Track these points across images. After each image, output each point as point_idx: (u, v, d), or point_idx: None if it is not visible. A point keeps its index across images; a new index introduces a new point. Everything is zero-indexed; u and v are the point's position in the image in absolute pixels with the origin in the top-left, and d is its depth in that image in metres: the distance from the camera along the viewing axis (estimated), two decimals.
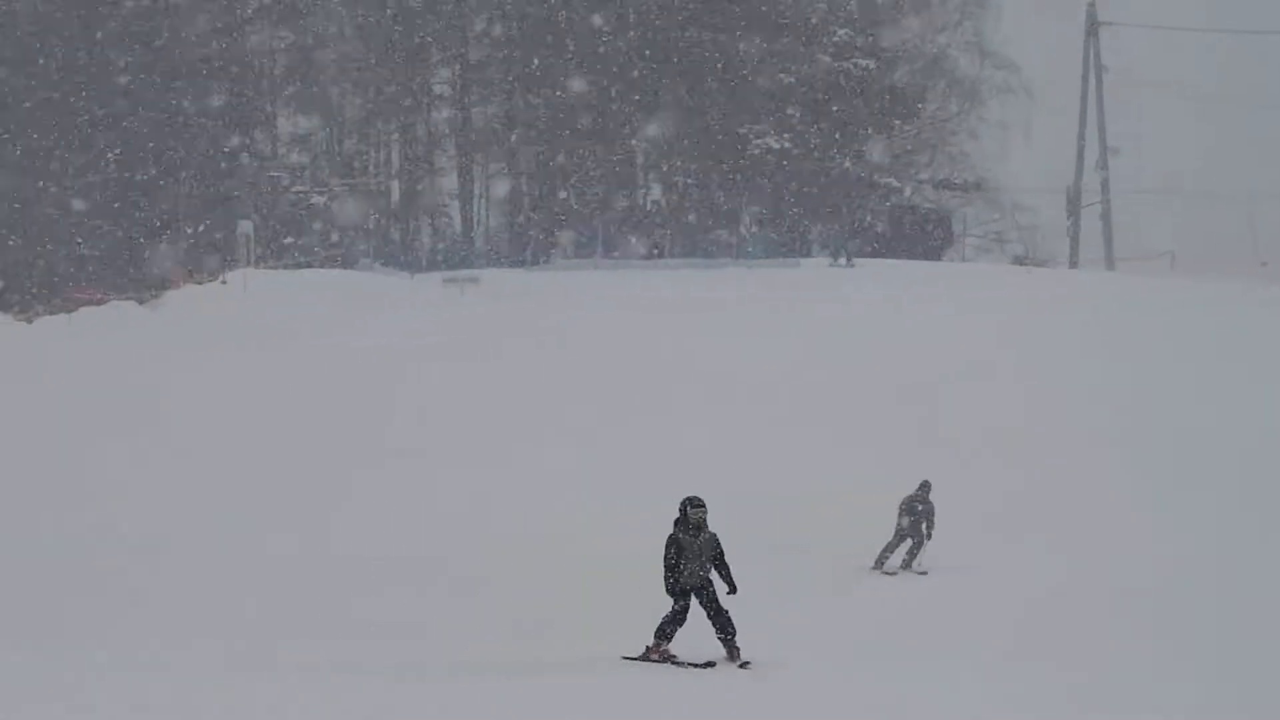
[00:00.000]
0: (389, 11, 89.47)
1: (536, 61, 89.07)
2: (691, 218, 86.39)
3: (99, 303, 70.15)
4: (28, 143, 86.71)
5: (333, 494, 47.83)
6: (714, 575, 25.34)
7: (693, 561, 25.03)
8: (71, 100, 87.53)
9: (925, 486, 39.33)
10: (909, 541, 38.93)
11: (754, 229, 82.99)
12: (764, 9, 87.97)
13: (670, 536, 25.34)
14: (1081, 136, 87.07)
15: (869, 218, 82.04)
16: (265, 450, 50.71)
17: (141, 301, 69.71)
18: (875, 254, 78.84)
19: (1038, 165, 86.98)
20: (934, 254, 76.83)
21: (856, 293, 70.15)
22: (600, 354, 61.40)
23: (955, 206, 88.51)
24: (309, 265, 79.27)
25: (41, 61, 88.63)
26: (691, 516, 25.18)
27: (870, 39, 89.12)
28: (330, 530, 43.01)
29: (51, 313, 68.81)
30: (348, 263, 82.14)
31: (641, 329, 64.83)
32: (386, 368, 59.78)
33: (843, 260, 73.15)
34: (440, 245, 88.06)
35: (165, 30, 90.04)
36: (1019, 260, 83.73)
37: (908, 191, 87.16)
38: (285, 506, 45.77)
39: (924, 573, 38.39)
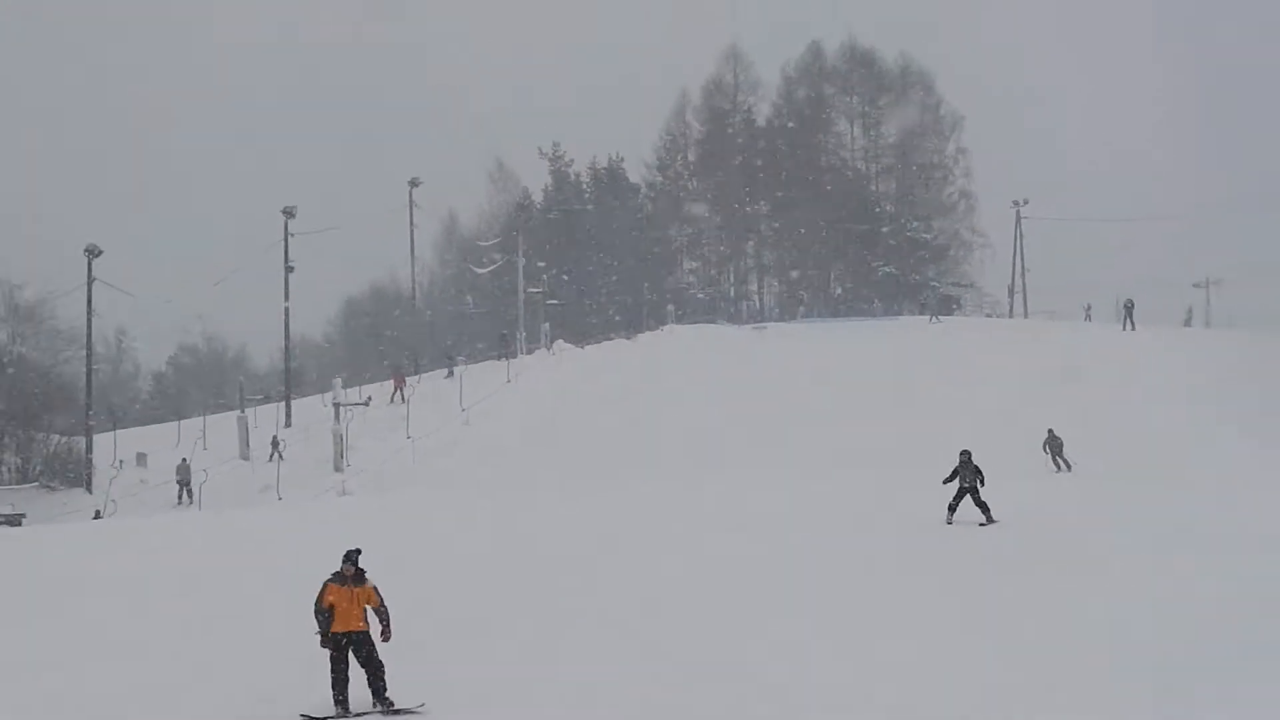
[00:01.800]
0: (729, 216, 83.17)
1: (788, 236, 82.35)
2: (850, 299, 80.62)
3: (611, 340, 67.63)
4: (581, 274, 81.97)
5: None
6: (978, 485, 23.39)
7: (964, 474, 23.39)
8: (598, 255, 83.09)
9: (1050, 430, 34.77)
10: (1053, 455, 34.26)
11: (874, 306, 77.35)
12: (878, 211, 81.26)
13: (954, 468, 23.59)
14: (1014, 263, 75.61)
15: (924, 301, 73.39)
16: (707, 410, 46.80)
17: (628, 339, 67.19)
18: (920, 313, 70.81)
19: (997, 275, 79.33)
20: (948, 315, 69.88)
21: (946, 333, 61.29)
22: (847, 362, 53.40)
23: (960, 294, 79.58)
24: (696, 324, 72.14)
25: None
26: (961, 456, 23.55)
27: (925, 224, 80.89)
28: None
29: (590, 344, 66.13)
30: (710, 321, 74.83)
31: (873, 350, 56.13)
32: (746, 360, 56.69)
33: (937, 319, 64.68)
34: (750, 312, 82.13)
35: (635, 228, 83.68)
36: (988, 315, 75.42)
37: (940, 288, 78.41)
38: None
39: (1071, 466, 33.97)
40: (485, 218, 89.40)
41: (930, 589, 18.25)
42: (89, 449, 51.62)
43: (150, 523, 33.58)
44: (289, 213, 58.53)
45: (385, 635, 12.54)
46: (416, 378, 60.65)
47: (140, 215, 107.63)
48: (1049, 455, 34.59)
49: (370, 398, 52.64)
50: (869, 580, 19.02)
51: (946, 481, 23.53)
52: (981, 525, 22.58)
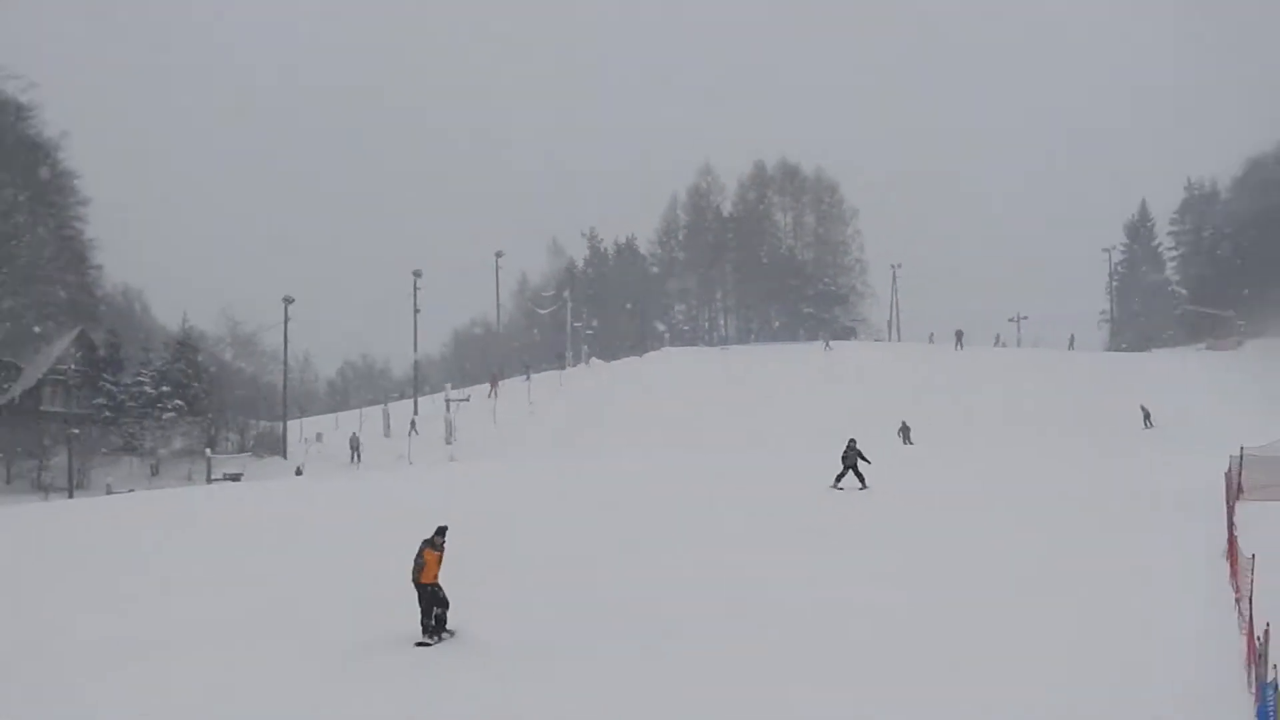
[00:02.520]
0: (704, 275, 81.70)
1: (742, 289, 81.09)
2: (783, 330, 77.12)
3: (627, 357, 64.31)
4: (608, 313, 79.64)
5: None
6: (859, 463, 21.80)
7: (849, 456, 21.87)
8: (618, 301, 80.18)
9: (903, 421, 33.78)
10: (904, 438, 33.82)
11: (800, 334, 74.10)
12: (801, 272, 79.88)
13: (843, 452, 21.96)
14: (891, 306, 71.34)
15: (829, 332, 69.71)
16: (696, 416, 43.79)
17: (639, 356, 62.60)
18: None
19: (880, 314, 76.40)
20: (840, 340, 67.01)
21: (842, 354, 58.21)
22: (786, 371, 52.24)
23: (855, 327, 77.51)
24: (682, 346, 70.38)
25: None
26: (848, 443, 22.04)
27: (832, 280, 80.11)
28: None
29: (614, 360, 62.91)
30: (692, 344, 72.92)
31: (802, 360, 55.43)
32: (713, 370, 54.71)
33: (829, 345, 60.38)
34: (718, 338, 79.55)
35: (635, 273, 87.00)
36: (876, 339, 71.65)
37: (843, 322, 76.93)
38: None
39: (912, 443, 32.40)
40: (544, 277, 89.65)
41: (829, 525, 18.44)
42: (284, 431, 52.07)
43: (335, 477, 34.57)
44: (417, 274, 59.09)
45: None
46: (501, 382, 61.32)
47: (320, 271, 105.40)
48: (901, 438, 34.53)
49: (470, 396, 52.81)
50: (789, 519, 19.30)
51: (843, 461, 22.38)
52: (860, 489, 22.18)
